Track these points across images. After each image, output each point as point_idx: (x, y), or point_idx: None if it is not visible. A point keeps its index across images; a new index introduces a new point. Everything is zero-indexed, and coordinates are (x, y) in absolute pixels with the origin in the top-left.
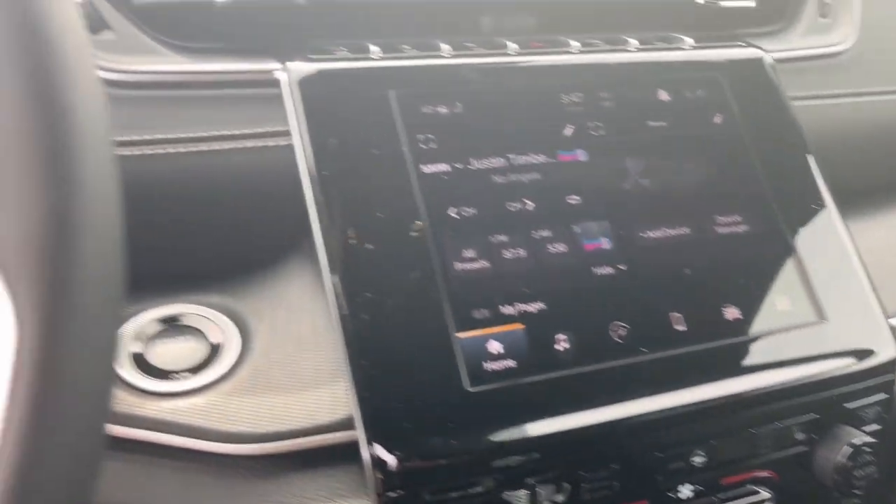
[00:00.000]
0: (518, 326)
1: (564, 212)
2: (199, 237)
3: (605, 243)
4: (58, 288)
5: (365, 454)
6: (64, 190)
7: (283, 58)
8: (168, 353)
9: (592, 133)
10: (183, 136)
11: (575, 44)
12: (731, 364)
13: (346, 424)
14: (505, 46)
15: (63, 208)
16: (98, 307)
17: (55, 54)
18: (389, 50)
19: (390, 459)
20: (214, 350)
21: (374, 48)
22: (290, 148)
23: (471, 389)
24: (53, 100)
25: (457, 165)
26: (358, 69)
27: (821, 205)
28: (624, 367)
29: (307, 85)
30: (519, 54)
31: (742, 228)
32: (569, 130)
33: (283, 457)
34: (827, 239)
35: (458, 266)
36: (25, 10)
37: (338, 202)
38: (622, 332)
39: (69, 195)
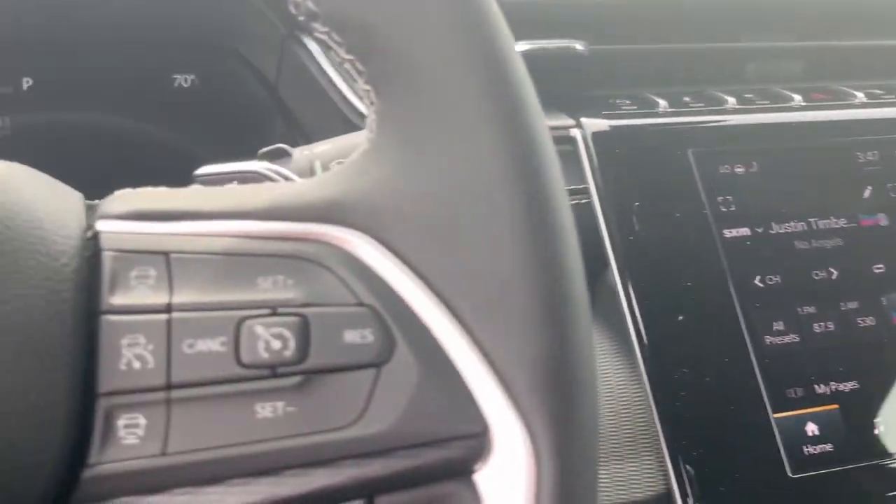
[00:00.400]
0: (833, 407)
1: (870, 281)
2: None
3: None
4: (573, 416)
5: None
6: (571, 307)
7: (574, 113)
8: None
9: (892, 195)
10: None
11: (859, 94)
12: None
13: (662, 501)
14: (788, 98)
15: (570, 326)
16: (597, 429)
17: (549, 170)
18: (675, 103)
19: None
20: None
21: (661, 102)
22: (582, 206)
23: (793, 476)
24: (556, 217)
25: (757, 230)
26: (653, 126)
27: None
28: None
29: (603, 143)
30: (805, 108)
31: None
32: (867, 192)
33: None
34: None
35: (769, 340)
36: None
37: (645, 269)
38: None
39: (574, 310)
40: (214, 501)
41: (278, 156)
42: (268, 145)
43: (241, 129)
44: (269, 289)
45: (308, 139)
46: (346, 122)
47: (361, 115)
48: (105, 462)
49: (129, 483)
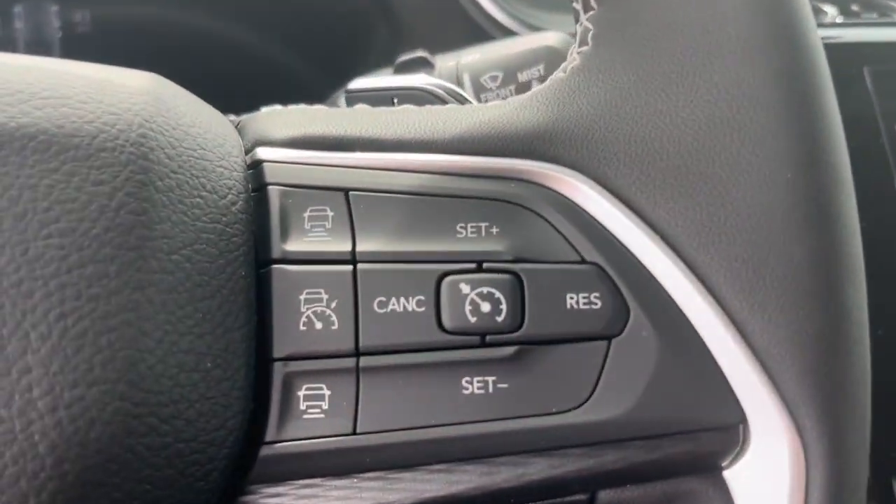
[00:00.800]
0: None
1: None
2: None
3: None
4: (850, 409)
5: None
6: (851, 274)
7: None
8: None
9: None
10: None
11: None
12: None
13: None
14: None
15: (849, 297)
16: (869, 424)
17: (832, 102)
18: (843, 11)
19: None
20: None
21: (829, 10)
22: None
23: None
24: (840, 160)
25: None
26: (823, 39)
27: None
28: None
29: None
30: None
31: None
32: None
33: None
34: None
35: None
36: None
37: None
38: None
39: (854, 278)
40: (412, 490)
41: (418, 66)
42: (366, 54)
43: (335, 35)
44: (472, 238)
45: (415, 48)
46: (473, 28)
47: (494, 22)
48: (285, 440)
49: (312, 464)
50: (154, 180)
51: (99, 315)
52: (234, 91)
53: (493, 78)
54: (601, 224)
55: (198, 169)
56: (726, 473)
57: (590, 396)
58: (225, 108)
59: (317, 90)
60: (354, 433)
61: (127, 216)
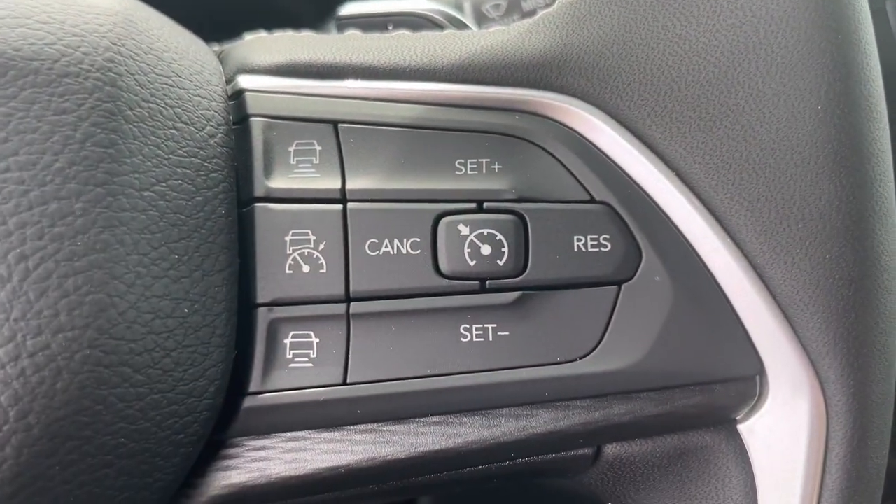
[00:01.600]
0: None
1: None
2: None
3: None
4: (877, 361)
5: None
6: (883, 216)
7: None
8: None
9: None
10: None
11: None
12: None
13: None
14: None
15: (881, 241)
16: (894, 376)
17: (869, 29)
18: None
19: None
20: None
21: None
22: None
23: None
24: (874, 96)
25: None
26: None
27: None
28: None
29: None
30: None
31: None
32: None
33: None
34: None
35: None
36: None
37: None
38: None
39: (885, 220)
40: (406, 443)
41: None
42: None
43: None
44: (472, 176)
45: None
46: None
47: None
48: (270, 390)
49: (299, 416)
50: (123, 109)
51: (64, 256)
52: (218, 24)
53: (496, 6)
54: (612, 160)
55: (172, 98)
56: (741, 427)
57: (597, 345)
58: (208, 41)
59: (308, 20)
60: (344, 383)
61: (93, 149)
